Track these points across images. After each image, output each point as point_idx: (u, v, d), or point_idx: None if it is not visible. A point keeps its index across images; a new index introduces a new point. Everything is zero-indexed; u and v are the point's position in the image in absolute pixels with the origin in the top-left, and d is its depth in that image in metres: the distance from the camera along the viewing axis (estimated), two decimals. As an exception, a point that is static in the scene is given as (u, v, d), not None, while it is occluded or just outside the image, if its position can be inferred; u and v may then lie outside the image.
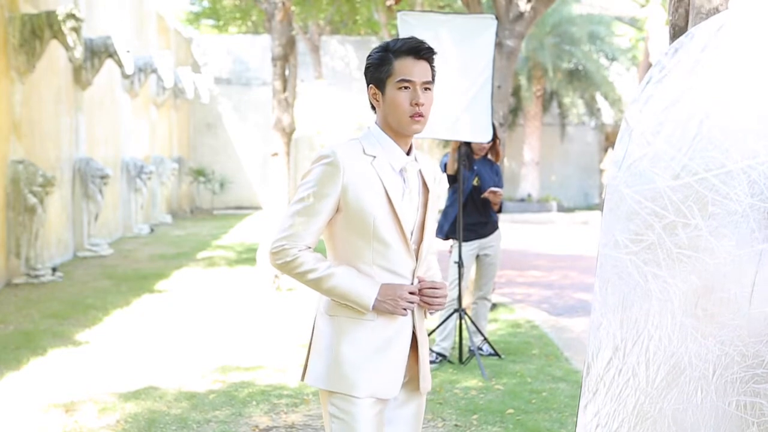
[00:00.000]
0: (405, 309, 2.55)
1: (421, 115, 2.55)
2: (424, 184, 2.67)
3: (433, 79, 2.60)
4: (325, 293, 2.55)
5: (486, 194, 6.51)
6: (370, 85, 2.60)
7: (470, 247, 6.59)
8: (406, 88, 2.54)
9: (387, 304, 2.52)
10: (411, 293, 2.56)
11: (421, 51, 2.55)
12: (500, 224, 6.85)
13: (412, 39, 2.58)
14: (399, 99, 2.54)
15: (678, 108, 2.33)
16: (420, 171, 2.66)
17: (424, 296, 2.59)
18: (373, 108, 2.65)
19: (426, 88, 2.56)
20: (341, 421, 2.55)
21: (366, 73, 2.63)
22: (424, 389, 2.68)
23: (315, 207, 2.53)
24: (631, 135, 2.38)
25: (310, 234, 2.54)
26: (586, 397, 2.39)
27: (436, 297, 2.60)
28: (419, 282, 2.62)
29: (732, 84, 2.29)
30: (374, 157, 2.56)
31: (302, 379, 2.66)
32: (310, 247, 2.56)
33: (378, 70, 2.57)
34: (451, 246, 6.71)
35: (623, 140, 2.39)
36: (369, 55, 2.64)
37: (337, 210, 2.55)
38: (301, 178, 2.60)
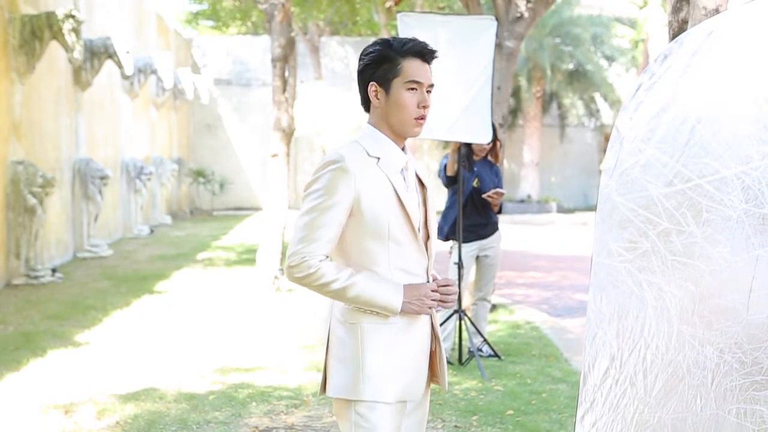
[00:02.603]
0: (430, 308, 2.54)
1: (423, 118, 2.54)
2: (420, 181, 2.66)
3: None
4: (349, 302, 2.49)
5: (489, 195, 6.49)
6: (372, 83, 2.54)
7: (470, 248, 6.59)
8: (413, 89, 2.51)
9: (413, 305, 2.50)
10: (433, 291, 2.55)
11: (427, 54, 2.54)
12: (500, 225, 6.85)
13: (417, 41, 2.55)
14: (406, 99, 2.51)
15: (669, 114, 2.32)
16: (415, 169, 2.65)
17: (441, 294, 2.58)
18: (366, 107, 2.60)
19: (428, 91, 2.55)
20: (366, 429, 2.50)
21: (365, 71, 2.56)
22: (444, 385, 2.68)
23: (329, 215, 2.46)
24: (622, 143, 2.37)
25: (327, 243, 2.47)
26: (584, 407, 2.38)
27: (450, 294, 2.59)
28: (434, 280, 2.62)
29: (724, 89, 2.28)
30: (378, 158, 2.53)
31: (324, 392, 2.58)
32: (327, 257, 2.50)
33: (381, 68, 2.52)
34: (451, 247, 6.72)
35: (614, 148, 2.38)
36: (367, 52, 2.57)
37: (350, 215, 2.50)
38: (306, 185, 2.53)
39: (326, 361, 2.60)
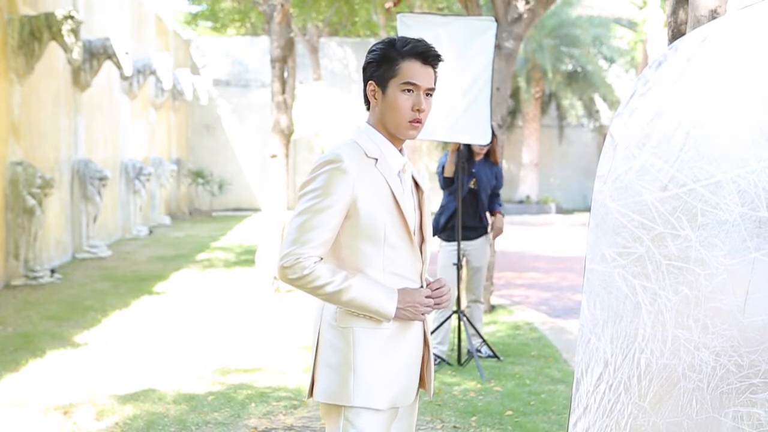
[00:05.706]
0: (423, 314, 2.51)
1: (419, 122, 2.49)
2: (416, 183, 2.62)
3: (435, 86, 2.54)
4: (343, 305, 2.44)
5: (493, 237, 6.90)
6: (371, 82, 2.51)
7: (452, 248, 6.58)
8: (409, 91, 2.47)
9: (407, 312, 2.46)
10: (427, 297, 2.51)
11: (429, 57, 2.49)
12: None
13: (422, 42, 2.50)
14: (400, 101, 2.47)
15: (664, 120, 2.31)
16: (411, 171, 2.62)
17: (435, 297, 2.54)
18: (367, 105, 2.56)
19: (428, 94, 2.51)
20: None
21: (366, 68, 2.53)
22: (430, 391, 2.64)
23: (325, 216, 2.41)
24: (615, 149, 2.37)
25: (322, 245, 2.42)
26: (576, 413, 2.37)
27: (443, 295, 2.55)
28: (428, 285, 2.58)
29: (719, 94, 2.27)
30: (376, 159, 2.48)
31: (312, 396, 2.54)
32: (321, 258, 2.44)
33: (381, 68, 2.48)
34: (438, 251, 6.74)
35: (608, 154, 2.38)
36: (372, 50, 2.53)
37: (346, 217, 2.45)
38: (302, 185, 2.47)
39: (315, 365, 2.53)
